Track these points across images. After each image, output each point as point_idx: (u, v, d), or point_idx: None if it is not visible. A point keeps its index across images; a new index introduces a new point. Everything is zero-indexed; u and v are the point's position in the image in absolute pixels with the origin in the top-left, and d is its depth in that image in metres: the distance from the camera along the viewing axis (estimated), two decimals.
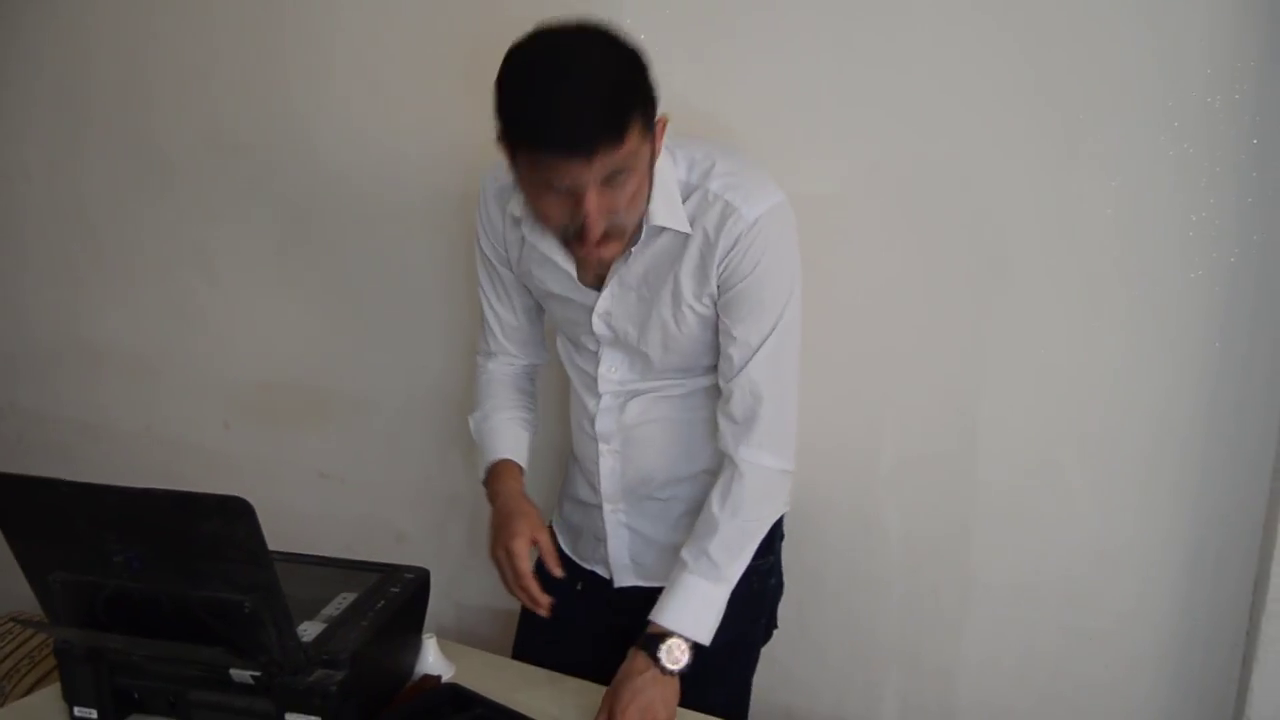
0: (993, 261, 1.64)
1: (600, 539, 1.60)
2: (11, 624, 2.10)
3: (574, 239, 1.26)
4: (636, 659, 1.40)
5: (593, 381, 1.52)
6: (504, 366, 1.64)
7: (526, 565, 1.42)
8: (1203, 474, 1.60)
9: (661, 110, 1.26)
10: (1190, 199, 1.53)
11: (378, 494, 2.23)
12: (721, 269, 1.35)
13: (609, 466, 1.54)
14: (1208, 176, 1.52)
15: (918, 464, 1.73)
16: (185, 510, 1.14)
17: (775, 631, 1.69)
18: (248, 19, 2.11)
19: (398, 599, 1.43)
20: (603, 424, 1.52)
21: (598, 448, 1.54)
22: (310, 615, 1.37)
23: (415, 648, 1.50)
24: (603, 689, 1.44)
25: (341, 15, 2.01)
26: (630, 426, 1.52)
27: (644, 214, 1.32)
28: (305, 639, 1.31)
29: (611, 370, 1.50)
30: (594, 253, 1.28)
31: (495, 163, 1.40)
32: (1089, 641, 1.68)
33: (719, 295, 1.38)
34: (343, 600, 1.42)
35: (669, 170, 1.34)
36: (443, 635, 1.57)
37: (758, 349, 1.38)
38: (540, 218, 1.29)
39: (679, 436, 1.51)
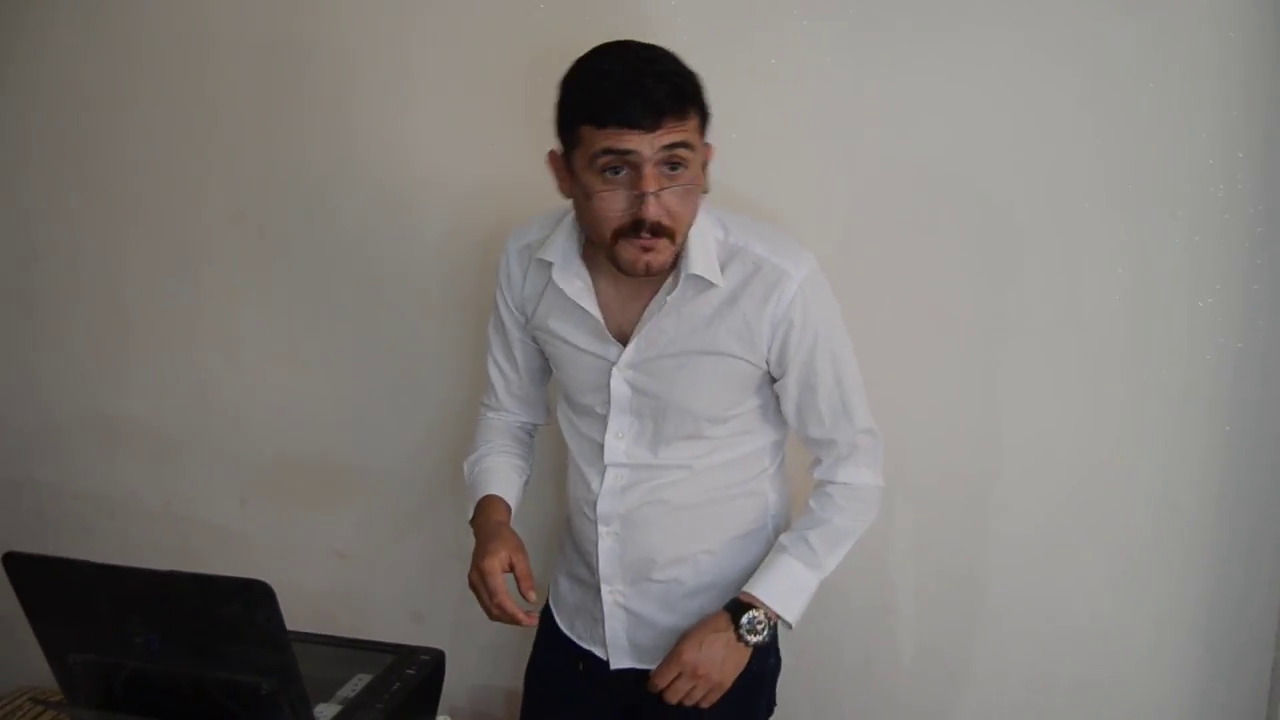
0: (1001, 345, 1.66)
1: (597, 619, 1.58)
2: (28, 702, 2.09)
3: (627, 234, 1.29)
4: (719, 618, 1.43)
5: (597, 451, 1.51)
6: (504, 417, 1.67)
7: (501, 583, 1.41)
8: (1212, 559, 1.60)
9: None
10: (1196, 286, 1.56)
11: (393, 573, 2.23)
12: (776, 329, 1.38)
13: (608, 548, 1.53)
14: (1213, 263, 1.55)
15: (928, 550, 1.74)
16: (207, 593, 1.16)
17: (776, 709, 1.66)
18: (273, 100, 2.17)
19: (413, 681, 1.43)
20: (605, 506, 1.51)
21: (597, 529, 1.53)
22: (326, 697, 1.37)
23: None
24: None
25: (364, 96, 2.07)
26: (634, 508, 1.51)
27: (683, 254, 1.35)
28: None
29: (618, 437, 1.48)
30: (642, 255, 1.30)
31: (516, 225, 1.47)
32: None
33: (776, 358, 1.41)
34: (358, 682, 1.42)
35: (707, 226, 1.38)
36: (456, 716, 1.57)
37: (841, 398, 1.44)
38: (592, 216, 1.31)
39: (682, 519, 1.51)
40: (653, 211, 1.26)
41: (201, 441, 2.41)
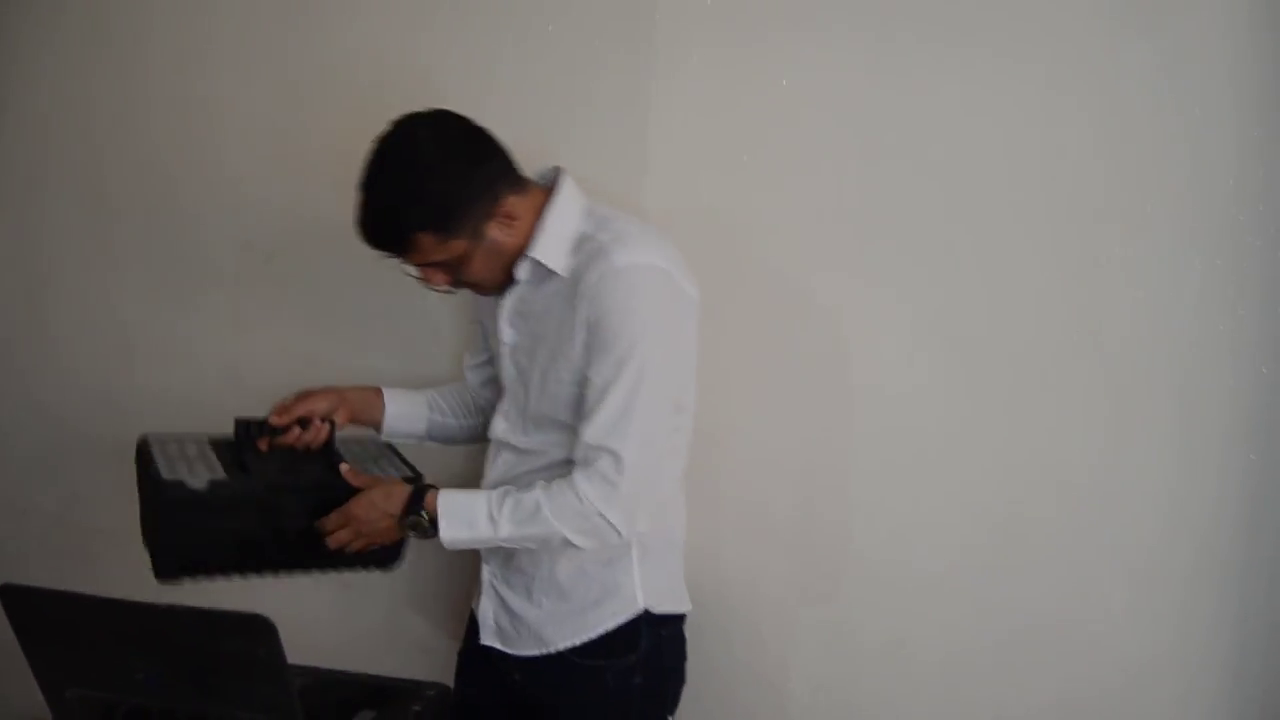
0: (1017, 365, 1.63)
1: (479, 590, 1.65)
2: None
3: None
4: (398, 493, 1.52)
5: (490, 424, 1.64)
6: (463, 384, 1.81)
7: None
8: (1241, 595, 1.56)
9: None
10: (1218, 311, 1.53)
11: (399, 604, 2.20)
12: (585, 308, 1.43)
13: None
14: (1234, 288, 1.52)
15: (950, 581, 1.70)
16: (208, 627, 1.13)
17: None
18: (277, 125, 2.16)
19: (420, 718, 1.40)
20: (486, 482, 1.61)
21: None
22: None
23: None
24: None
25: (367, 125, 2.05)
26: (497, 482, 1.58)
27: (522, 250, 1.48)
28: None
29: (503, 416, 1.60)
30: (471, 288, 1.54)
31: None
32: None
33: (584, 338, 1.45)
34: (363, 718, 1.39)
35: (571, 223, 1.49)
36: None
37: (604, 395, 1.42)
38: None
39: None
40: (437, 289, 1.52)
41: None
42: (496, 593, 1.61)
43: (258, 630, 1.10)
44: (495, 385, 1.70)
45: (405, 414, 1.75)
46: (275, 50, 2.12)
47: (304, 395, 1.66)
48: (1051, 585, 1.65)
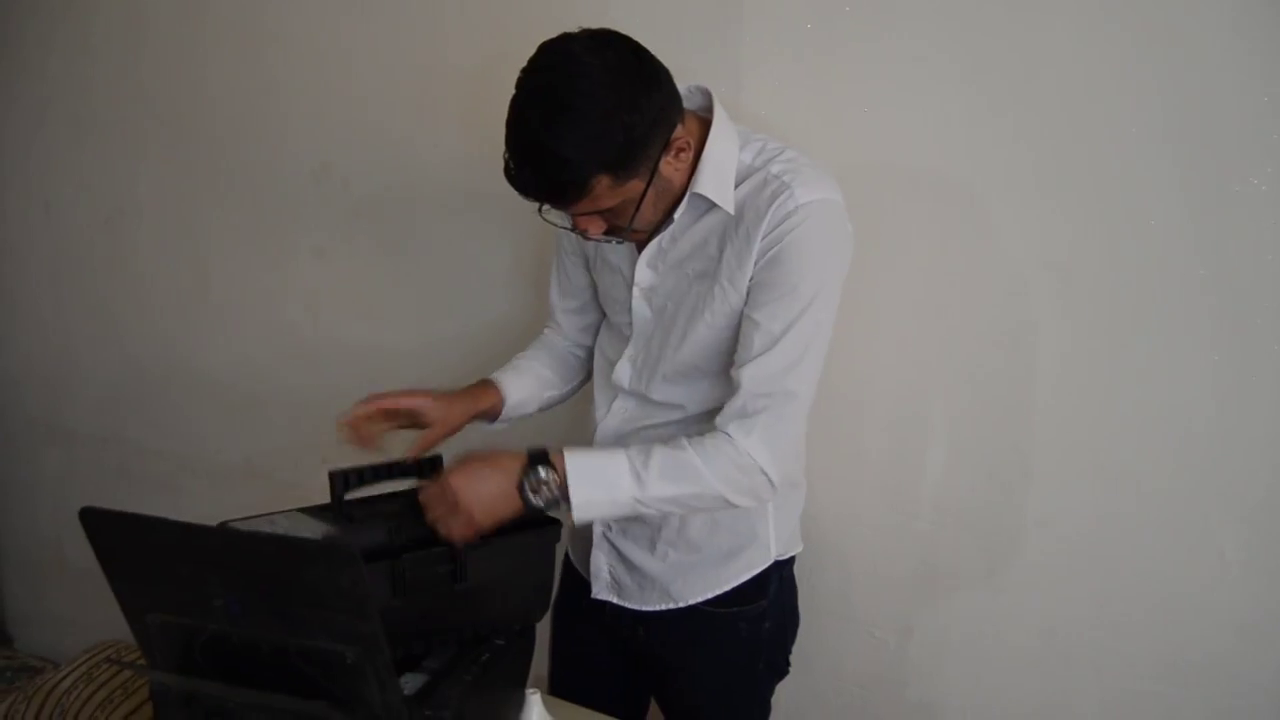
0: (1141, 318, 1.52)
1: (588, 548, 1.54)
2: (104, 663, 2.09)
3: None
4: (510, 459, 1.30)
5: (608, 370, 1.49)
6: (555, 337, 1.65)
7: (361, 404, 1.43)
8: None
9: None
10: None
11: None
12: (763, 244, 1.30)
13: None
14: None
15: (1053, 529, 1.62)
16: (289, 556, 1.09)
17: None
18: (355, 53, 2.11)
19: (502, 653, 1.36)
20: (602, 433, 1.49)
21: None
22: (412, 666, 1.31)
23: (518, 704, 1.42)
24: None
25: (453, 48, 1.99)
26: (615, 434, 1.48)
27: (686, 187, 1.33)
28: (407, 692, 1.24)
29: (630, 361, 1.46)
30: (629, 238, 1.36)
31: None
32: None
33: (753, 276, 1.32)
34: (445, 651, 1.36)
35: (732, 152, 1.33)
36: (546, 689, 1.51)
37: (780, 338, 1.30)
38: None
39: None
40: (594, 238, 1.33)
41: (284, 399, 2.38)
42: (612, 545, 1.52)
43: (340, 559, 1.06)
44: (594, 330, 1.61)
45: (522, 401, 1.57)
46: None
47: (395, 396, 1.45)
48: (1160, 535, 1.56)
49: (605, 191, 1.24)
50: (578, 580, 1.60)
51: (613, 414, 1.49)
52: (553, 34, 1.27)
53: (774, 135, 1.39)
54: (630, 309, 1.45)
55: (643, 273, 1.42)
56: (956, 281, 1.61)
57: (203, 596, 1.15)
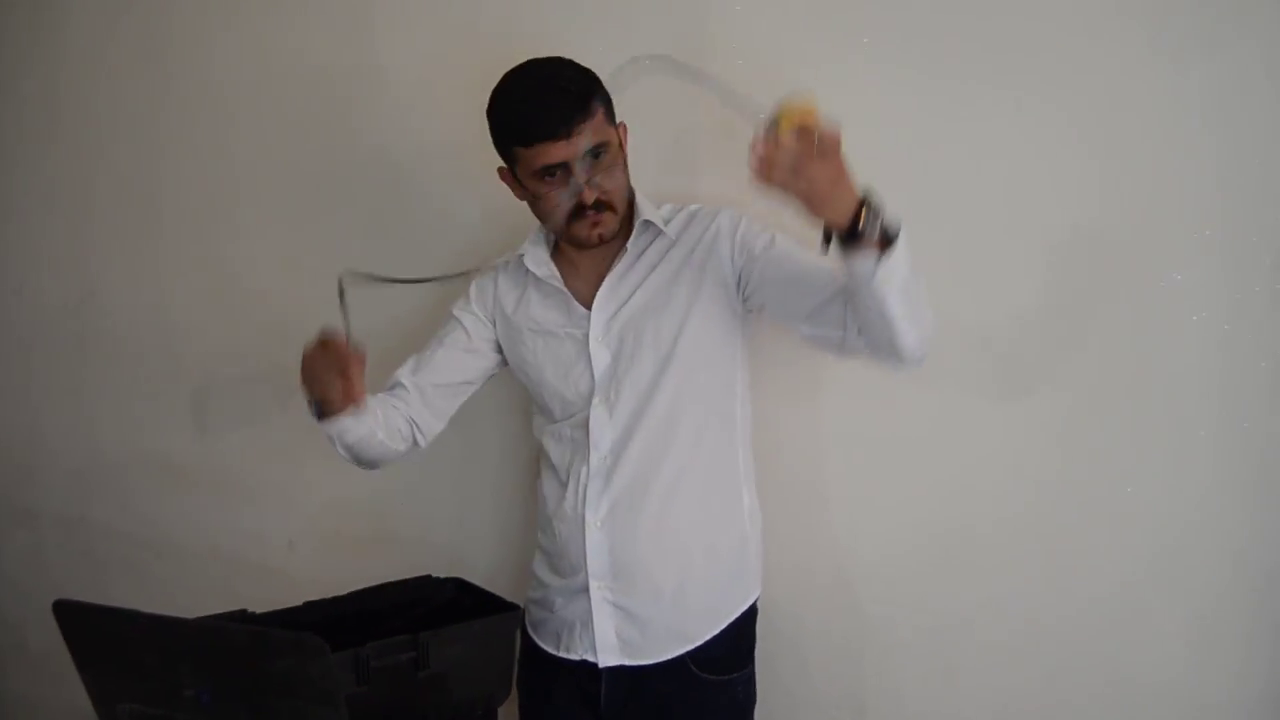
0: (1076, 398, 1.61)
1: (586, 623, 1.58)
2: None
3: (573, 219, 1.52)
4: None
5: (582, 435, 1.58)
6: (396, 399, 1.68)
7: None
8: None
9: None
10: (1276, 337, 1.50)
11: None
12: (732, 239, 1.55)
13: (595, 541, 1.57)
14: None
15: (997, 604, 1.68)
16: (260, 646, 1.13)
17: None
18: (328, 135, 2.18)
19: None
20: (594, 489, 1.57)
21: (584, 525, 1.57)
22: None
23: None
24: None
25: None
26: (621, 491, 1.56)
27: (631, 208, 1.59)
28: None
29: (605, 408, 1.57)
30: (592, 230, 1.54)
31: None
32: None
33: (752, 275, 1.54)
34: None
35: (648, 204, 1.61)
36: None
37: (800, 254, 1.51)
38: (544, 213, 1.55)
39: (668, 502, 1.55)
40: (589, 196, 1.51)
41: (251, 484, 2.40)
42: (616, 606, 1.57)
43: (309, 650, 1.10)
44: (441, 415, 1.71)
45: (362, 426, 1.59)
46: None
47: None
48: (1100, 613, 1.62)
49: (601, 122, 1.50)
50: (545, 663, 1.63)
51: (594, 468, 1.58)
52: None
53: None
54: (588, 360, 1.59)
55: (603, 302, 1.58)
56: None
57: (174, 687, 1.18)
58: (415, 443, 1.70)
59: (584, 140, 1.47)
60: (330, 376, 1.46)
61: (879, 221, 1.25)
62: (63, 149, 2.57)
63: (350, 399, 1.46)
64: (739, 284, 1.56)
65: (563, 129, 1.46)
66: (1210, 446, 1.55)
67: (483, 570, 2.11)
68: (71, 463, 2.71)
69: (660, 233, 1.59)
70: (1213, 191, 1.53)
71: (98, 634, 1.23)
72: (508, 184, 1.60)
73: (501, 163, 1.58)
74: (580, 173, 1.48)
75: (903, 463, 1.72)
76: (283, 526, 2.36)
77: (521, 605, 1.59)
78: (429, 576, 1.62)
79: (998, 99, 1.62)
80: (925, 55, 1.66)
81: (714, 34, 1.77)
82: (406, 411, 1.68)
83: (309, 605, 1.45)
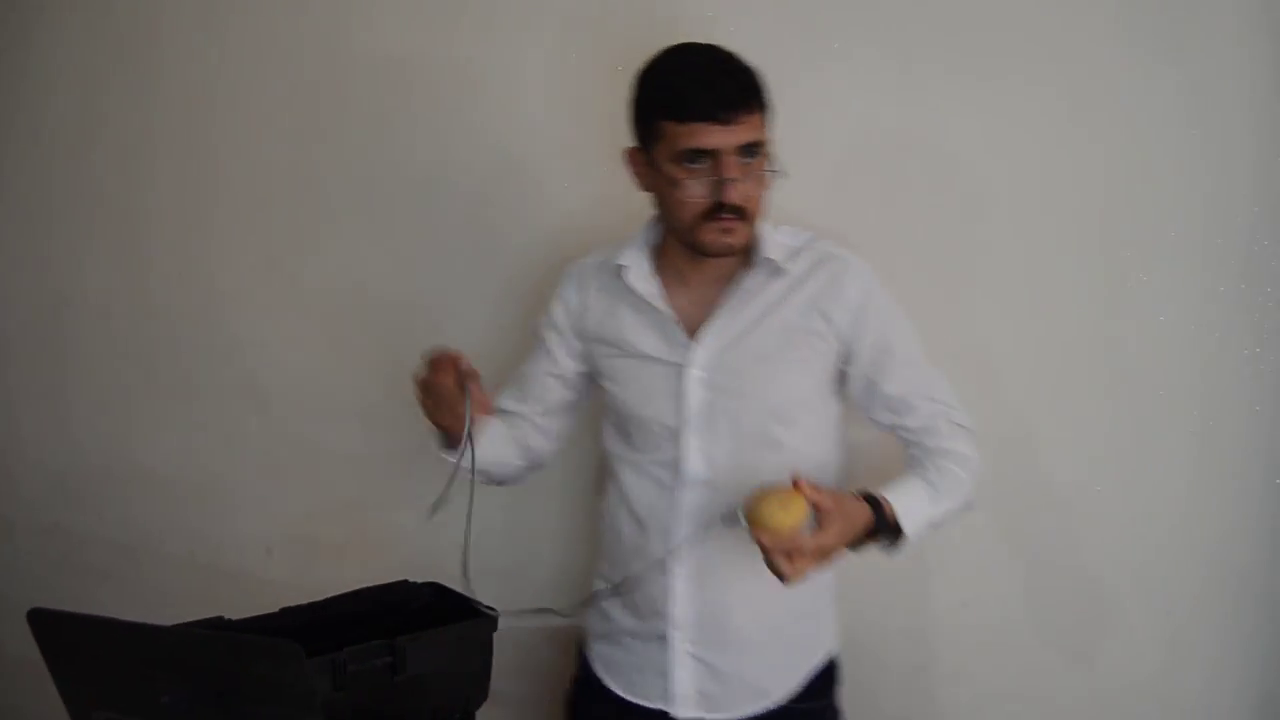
0: (1044, 397, 1.63)
1: (663, 672, 1.51)
2: None
3: (707, 219, 1.37)
4: (860, 509, 1.33)
5: (669, 472, 1.47)
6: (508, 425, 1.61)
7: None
8: (1263, 616, 1.55)
9: None
10: (1246, 337, 1.53)
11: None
12: (849, 307, 1.43)
13: (682, 590, 1.48)
14: (1260, 313, 1.52)
15: (972, 607, 1.69)
16: (235, 653, 1.14)
17: None
18: (313, 132, 2.18)
19: None
20: (679, 535, 1.45)
21: (666, 569, 1.46)
22: None
23: None
24: None
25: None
26: (713, 543, 1.44)
27: (755, 245, 1.44)
28: None
29: (698, 450, 1.45)
30: (722, 236, 1.38)
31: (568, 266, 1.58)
32: None
33: (852, 332, 1.44)
34: None
35: (770, 229, 1.46)
36: None
37: (925, 376, 1.45)
38: (676, 203, 1.39)
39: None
40: (733, 195, 1.35)
41: (229, 491, 2.39)
42: (698, 660, 1.49)
43: (286, 656, 1.10)
44: (554, 435, 1.64)
45: (493, 451, 1.55)
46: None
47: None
48: (1076, 614, 1.65)
49: (760, 122, 1.37)
50: (610, 701, 1.57)
51: (687, 509, 1.46)
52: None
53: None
54: (679, 395, 1.46)
55: (714, 336, 1.45)
56: None
57: (150, 694, 1.18)
58: (536, 465, 1.66)
59: (743, 133, 1.34)
60: (451, 398, 1.41)
61: (898, 532, 1.34)
62: (42, 154, 2.56)
63: (482, 409, 1.42)
64: (843, 356, 1.47)
65: (724, 113, 1.33)
66: (1179, 445, 1.57)
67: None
68: (48, 469, 2.69)
69: (781, 269, 1.45)
70: (1179, 193, 1.55)
71: (73, 642, 1.23)
72: (634, 168, 1.45)
73: (632, 142, 1.44)
74: (731, 167, 1.34)
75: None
76: (261, 533, 2.36)
77: (498, 612, 1.54)
78: (405, 582, 1.61)
79: (965, 102, 1.64)
80: (894, 60, 1.68)
81: (688, 37, 1.78)
82: (523, 439, 1.62)
83: (286, 611, 1.45)
